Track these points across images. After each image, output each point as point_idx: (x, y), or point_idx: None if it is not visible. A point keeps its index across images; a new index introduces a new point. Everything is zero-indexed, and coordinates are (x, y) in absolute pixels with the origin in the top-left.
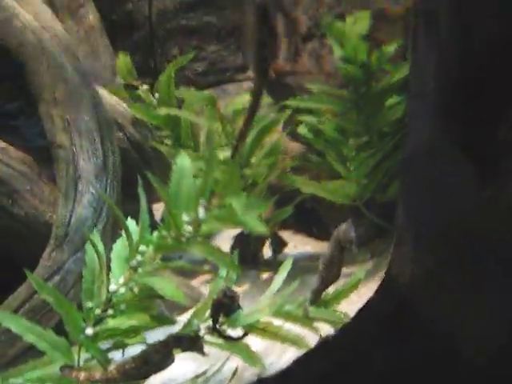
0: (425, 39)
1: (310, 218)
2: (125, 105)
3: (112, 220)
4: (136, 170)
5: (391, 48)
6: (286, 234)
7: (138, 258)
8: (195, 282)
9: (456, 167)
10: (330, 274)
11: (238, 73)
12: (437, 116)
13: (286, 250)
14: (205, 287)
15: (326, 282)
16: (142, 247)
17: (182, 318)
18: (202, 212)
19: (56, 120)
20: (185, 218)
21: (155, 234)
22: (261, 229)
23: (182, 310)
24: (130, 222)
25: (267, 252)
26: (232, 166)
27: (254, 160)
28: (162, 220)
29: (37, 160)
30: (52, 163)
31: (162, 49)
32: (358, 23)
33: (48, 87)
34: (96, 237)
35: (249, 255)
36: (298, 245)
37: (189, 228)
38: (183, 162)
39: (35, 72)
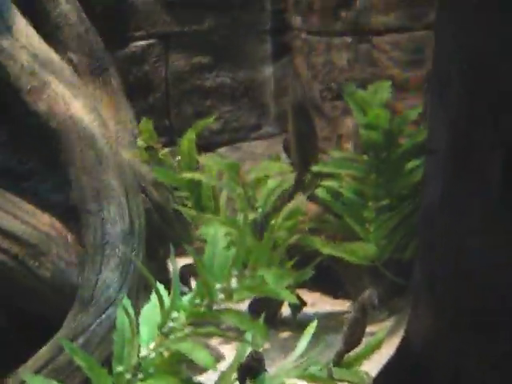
0: (438, 104)
1: (327, 276)
2: (147, 167)
3: (137, 284)
4: (157, 231)
5: (413, 114)
6: (302, 292)
7: (170, 324)
8: (214, 342)
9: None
10: (354, 336)
11: (251, 131)
12: (448, 173)
13: (304, 309)
14: (223, 347)
15: (349, 345)
16: (174, 313)
17: (203, 379)
18: (234, 282)
19: (85, 187)
20: (218, 286)
21: (187, 299)
22: (292, 300)
23: (202, 370)
24: (161, 287)
25: (285, 310)
26: (266, 240)
27: (273, 222)
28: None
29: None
30: (68, 220)
31: (177, 109)
32: (379, 92)
33: (78, 155)
34: (127, 301)
35: (268, 315)
36: (316, 303)
37: (221, 296)
38: (216, 232)
39: (66, 140)
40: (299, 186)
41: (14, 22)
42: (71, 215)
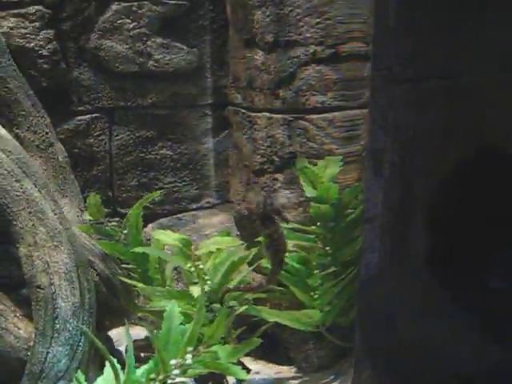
0: (372, 176)
1: (271, 343)
2: (94, 241)
3: (87, 357)
4: (104, 303)
5: (360, 187)
6: (246, 360)
7: None
8: None
9: (407, 291)
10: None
11: (192, 203)
12: (382, 238)
13: (250, 377)
14: None
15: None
16: None
17: None
18: (189, 358)
19: (36, 262)
20: (173, 361)
21: (141, 373)
22: (243, 376)
23: None
24: (114, 360)
25: (230, 379)
26: (219, 317)
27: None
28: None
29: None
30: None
31: (121, 181)
32: (329, 166)
33: (30, 231)
34: (80, 375)
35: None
36: (261, 371)
37: (176, 371)
38: (173, 309)
39: (18, 217)
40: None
41: None
42: (15, 289)
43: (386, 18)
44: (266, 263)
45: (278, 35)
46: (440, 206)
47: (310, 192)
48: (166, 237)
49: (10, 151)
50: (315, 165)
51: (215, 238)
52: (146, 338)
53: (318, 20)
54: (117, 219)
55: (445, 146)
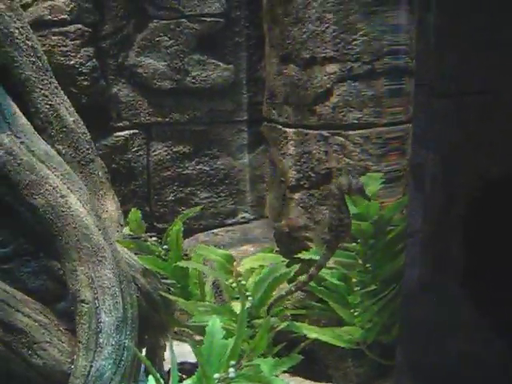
0: (415, 192)
1: (309, 360)
2: (134, 256)
3: (129, 372)
4: (145, 318)
5: (401, 204)
6: (284, 376)
7: None
8: None
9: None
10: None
11: (227, 218)
12: (424, 252)
13: None
14: None
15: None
16: None
17: None
18: (232, 372)
19: (81, 277)
20: (216, 375)
21: None
22: None
23: None
24: (157, 374)
25: None
26: (262, 329)
27: (262, 311)
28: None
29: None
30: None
31: (158, 196)
32: (370, 183)
33: (75, 247)
34: None
35: None
36: None
37: None
38: (215, 324)
39: (63, 232)
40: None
41: (13, 119)
42: (51, 303)
43: (428, 35)
44: (304, 279)
45: (314, 51)
46: (480, 219)
47: (351, 209)
48: (208, 252)
49: (54, 167)
50: None
51: (258, 255)
52: None
53: (354, 36)
54: (154, 234)
55: (485, 161)
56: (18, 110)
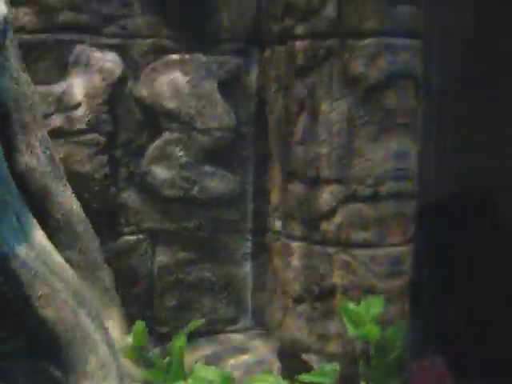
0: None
1: None
2: (136, 369)
3: None
4: None
5: (404, 327)
6: None
7: None
8: None
9: None
10: None
11: (228, 325)
12: None
13: None
14: None
15: None
16: None
17: None
18: None
19: None
20: None
21: None
22: None
23: None
24: None
25: None
26: None
27: None
28: None
29: None
30: None
31: (159, 300)
32: (371, 307)
33: (81, 361)
34: None
35: None
36: None
37: None
38: None
39: (70, 345)
40: None
41: (30, 231)
42: None
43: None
44: None
45: (319, 171)
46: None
47: (352, 331)
48: (206, 372)
49: (67, 280)
50: (358, 303)
51: (258, 376)
52: None
53: (358, 160)
54: (157, 345)
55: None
56: (35, 222)
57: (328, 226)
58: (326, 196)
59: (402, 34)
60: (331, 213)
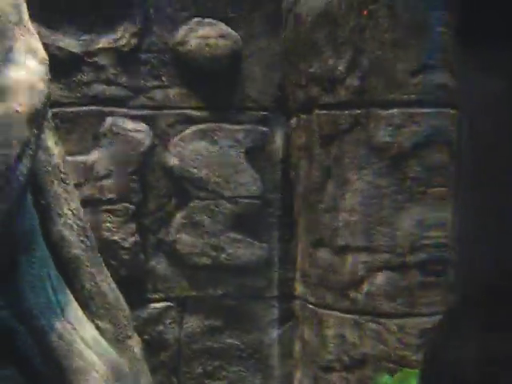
0: None
1: None
2: None
3: None
4: None
5: None
6: None
7: None
8: None
9: None
10: None
11: None
12: None
13: None
14: None
15: None
16: None
17: None
18: None
19: None
20: None
21: None
22: None
23: None
24: None
25: None
26: None
27: None
28: None
29: None
30: None
31: (186, 367)
32: (406, 381)
33: None
34: None
35: None
36: None
37: None
38: None
39: None
40: None
41: (67, 305)
42: None
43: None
44: None
45: (347, 240)
46: None
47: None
48: None
49: (101, 353)
50: (391, 374)
51: None
52: None
53: (387, 229)
54: None
55: None
56: (71, 297)
57: (356, 295)
58: (354, 264)
59: (428, 102)
60: (360, 281)
